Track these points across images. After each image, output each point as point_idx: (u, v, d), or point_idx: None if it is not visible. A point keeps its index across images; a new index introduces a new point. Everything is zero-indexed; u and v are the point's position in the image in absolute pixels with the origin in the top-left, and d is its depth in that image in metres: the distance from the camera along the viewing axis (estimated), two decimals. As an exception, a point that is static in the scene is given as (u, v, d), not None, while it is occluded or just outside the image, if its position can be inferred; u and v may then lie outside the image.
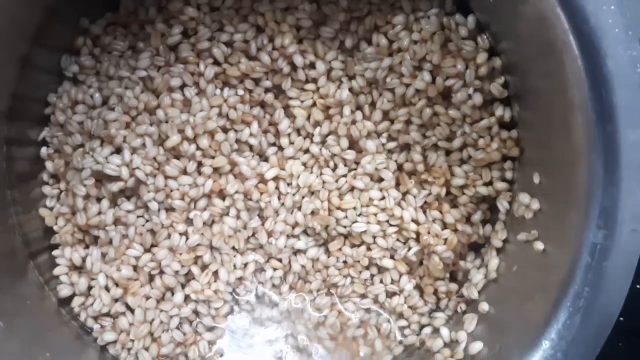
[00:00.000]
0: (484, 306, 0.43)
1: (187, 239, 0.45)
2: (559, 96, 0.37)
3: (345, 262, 0.49)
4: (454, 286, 0.48)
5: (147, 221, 0.46)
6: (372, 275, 0.49)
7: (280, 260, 0.49)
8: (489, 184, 0.47)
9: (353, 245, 0.49)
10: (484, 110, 0.45)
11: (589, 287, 0.34)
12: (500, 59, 0.44)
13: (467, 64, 0.44)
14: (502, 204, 0.46)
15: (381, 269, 0.49)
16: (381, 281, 0.49)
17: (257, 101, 0.47)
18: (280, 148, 0.48)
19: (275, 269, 0.49)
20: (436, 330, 0.47)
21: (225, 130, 0.47)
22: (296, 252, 0.49)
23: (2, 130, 0.44)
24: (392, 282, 0.49)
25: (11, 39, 0.42)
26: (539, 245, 0.39)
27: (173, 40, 0.46)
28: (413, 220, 0.47)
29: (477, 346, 0.41)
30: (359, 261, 0.49)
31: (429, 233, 0.47)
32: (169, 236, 0.46)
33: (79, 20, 0.47)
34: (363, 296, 0.50)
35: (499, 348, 0.39)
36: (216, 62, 0.46)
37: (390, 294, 0.49)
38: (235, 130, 0.47)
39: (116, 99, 0.46)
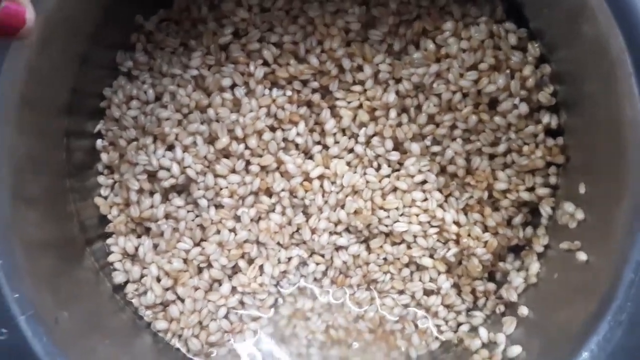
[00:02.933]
0: (524, 310, 0.44)
1: (235, 235, 0.47)
2: (610, 109, 0.37)
3: (385, 259, 0.50)
4: (492, 286, 0.49)
5: (197, 216, 0.48)
6: (411, 273, 0.51)
7: (322, 256, 0.50)
8: (531, 189, 0.47)
9: (394, 244, 0.50)
10: (530, 117, 0.46)
11: (632, 302, 0.35)
12: (551, 66, 0.44)
13: (514, 74, 0.44)
14: (545, 209, 0.46)
15: (420, 267, 0.50)
16: (420, 279, 0.50)
17: (304, 101, 0.48)
18: (325, 147, 0.49)
19: (317, 264, 0.50)
20: (474, 329, 0.48)
21: (273, 129, 0.48)
22: (338, 248, 0.50)
23: (63, 123, 0.46)
24: (431, 280, 0.50)
25: (71, 38, 0.43)
26: (582, 256, 0.40)
27: (224, 40, 0.47)
28: (454, 222, 0.48)
29: (515, 350, 0.42)
30: (398, 259, 0.50)
31: (469, 235, 0.48)
32: (218, 232, 0.47)
33: (133, 17, 0.48)
34: (401, 292, 0.51)
35: (537, 354, 0.40)
36: (265, 63, 0.47)
37: (427, 292, 0.50)
38: (283, 130, 0.48)
39: (169, 97, 0.47)
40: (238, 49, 0.47)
